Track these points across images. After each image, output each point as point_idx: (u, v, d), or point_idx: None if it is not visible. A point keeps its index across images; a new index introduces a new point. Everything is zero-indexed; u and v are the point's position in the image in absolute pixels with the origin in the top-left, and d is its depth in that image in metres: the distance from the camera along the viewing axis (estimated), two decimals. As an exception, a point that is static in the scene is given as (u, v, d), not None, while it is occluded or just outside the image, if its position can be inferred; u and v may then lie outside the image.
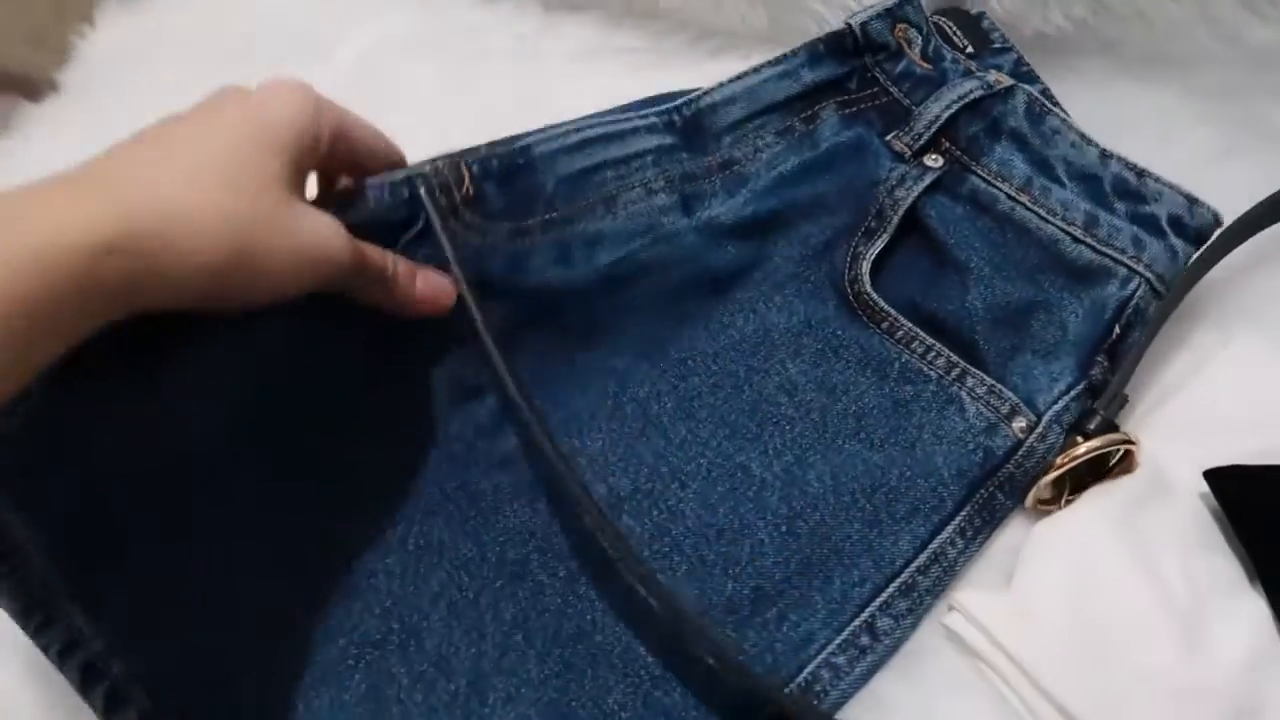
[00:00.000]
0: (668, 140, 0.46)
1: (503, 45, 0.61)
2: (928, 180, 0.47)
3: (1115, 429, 0.43)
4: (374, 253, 0.35)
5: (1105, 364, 0.45)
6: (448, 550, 0.40)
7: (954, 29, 0.52)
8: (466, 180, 0.41)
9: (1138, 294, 0.45)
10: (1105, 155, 0.47)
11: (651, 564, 0.40)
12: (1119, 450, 0.43)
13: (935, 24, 0.52)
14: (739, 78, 0.47)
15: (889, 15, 0.49)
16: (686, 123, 0.47)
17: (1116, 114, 0.53)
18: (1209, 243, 0.46)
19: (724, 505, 0.41)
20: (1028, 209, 0.46)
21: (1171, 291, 0.45)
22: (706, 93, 0.47)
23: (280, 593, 0.37)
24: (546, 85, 0.55)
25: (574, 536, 0.40)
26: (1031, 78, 0.52)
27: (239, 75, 0.58)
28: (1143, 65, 0.55)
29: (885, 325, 0.45)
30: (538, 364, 0.42)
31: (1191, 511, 0.42)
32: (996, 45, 0.52)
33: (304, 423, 0.38)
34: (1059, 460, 0.42)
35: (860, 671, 0.40)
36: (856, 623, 0.40)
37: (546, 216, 0.42)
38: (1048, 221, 0.46)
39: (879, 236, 0.46)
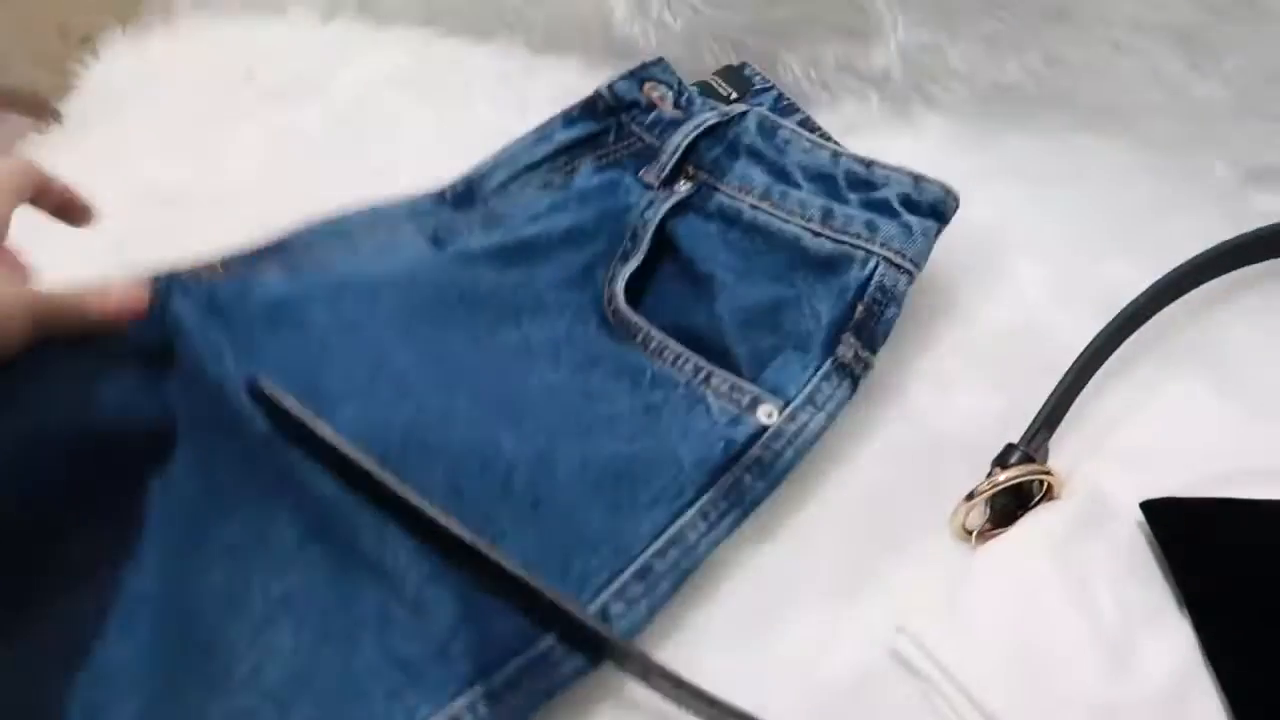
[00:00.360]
0: (427, 207, 0.52)
1: (488, 85, 0.64)
2: (673, 201, 0.50)
3: (1033, 462, 0.43)
4: (63, 295, 0.41)
5: (855, 342, 0.45)
6: (234, 546, 0.41)
7: (719, 82, 0.57)
8: (217, 265, 0.47)
9: (877, 272, 0.46)
10: (836, 154, 0.50)
11: None
12: (1041, 481, 0.43)
13: (704, 82, 0.57)
14: (504, 148, 0.54)
15: (634, 77, 0.55)
16: (458, 195, 0.53)
17: (1070, 163, 0.55)
18: (1145, 290, 0.47)
19: (470, 486, 0.41)
20: (769, 214, 0.49)
21: (1104, 336, 0.46)
22: (477, 166, 0.53)
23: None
24: (527, 125, 0.56)
25: (331, 513, 0.41)
26: (791, 110, 0.56)
27: (236, 107, 0.65)
28: (1095, 116, 0.57)
29: (639, 338, 0.47)
30: (283, 359, 0.44)
31: (1129, 539, 0.42)
32: (758, 87, 0.56)
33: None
34: (980, 488, 0.42)
35: (587, 654, 0.39)
36: (591, 608, 0.40)
37: (284, 262, 0.48)
38: (788, 222, 0.48)
39: (634, 256, 0.49)
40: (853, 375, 0.45)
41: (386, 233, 0.50)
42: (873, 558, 0.42)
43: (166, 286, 0.45)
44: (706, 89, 0.56)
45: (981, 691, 0.37)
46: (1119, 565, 0.40)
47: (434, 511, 0.39)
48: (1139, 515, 0.41)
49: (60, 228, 0.54)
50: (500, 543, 0.39)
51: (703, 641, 0.40)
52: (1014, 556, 0.41)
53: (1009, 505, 0.43)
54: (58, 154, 0.64)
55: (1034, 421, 0.44)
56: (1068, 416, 0.45)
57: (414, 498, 0.39)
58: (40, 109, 0.71)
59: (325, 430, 0.40)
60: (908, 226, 0.47)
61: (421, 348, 0.45)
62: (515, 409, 0.44)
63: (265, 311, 0.45)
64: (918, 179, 0.47)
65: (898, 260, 0.46)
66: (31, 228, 0.49)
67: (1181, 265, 0.47)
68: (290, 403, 0.41)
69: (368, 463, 0.40)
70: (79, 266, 0.54)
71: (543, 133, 0.54)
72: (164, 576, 0.40)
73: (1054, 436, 0.45)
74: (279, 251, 0.49)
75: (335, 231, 0.49)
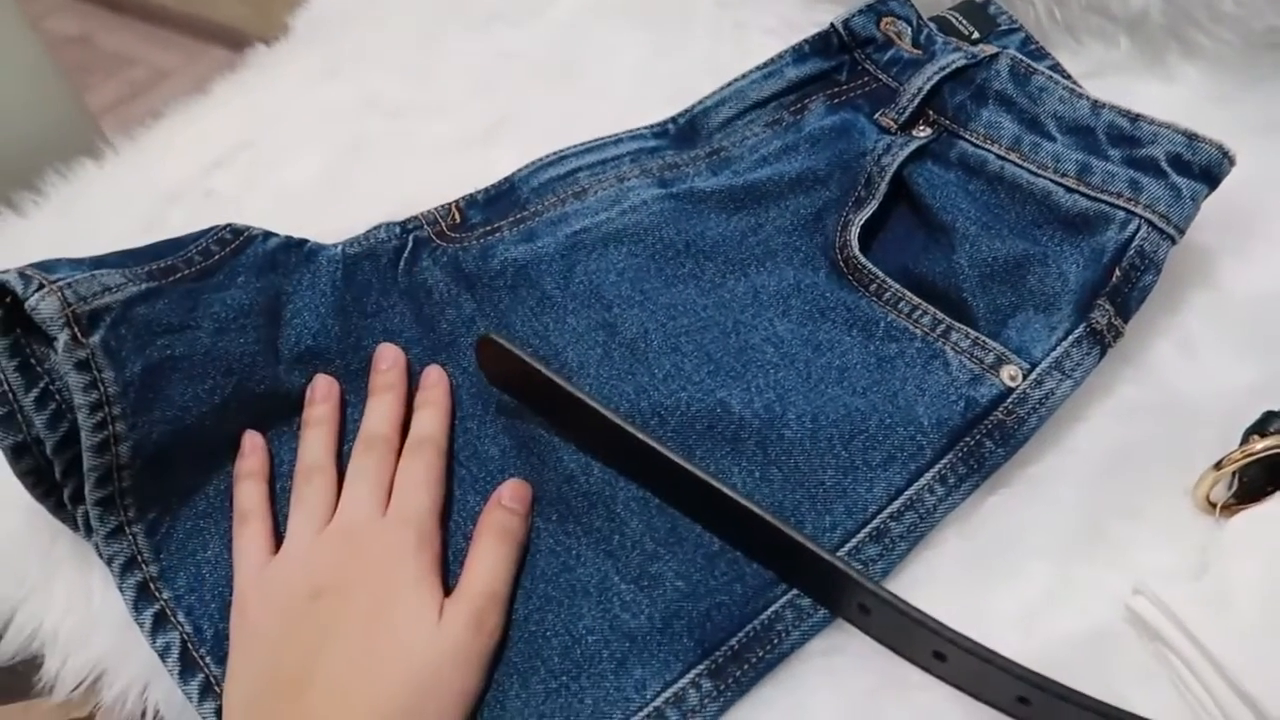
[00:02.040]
0: (651, 144, 0.51)
1: (706, 13, 0.63)
2: (913, 146, 0.48)
3: None
4: None
5: (1109, 308, 0.43)
6: (465, 510, 0.42)
7: (959, 19, 0.53)
8: (454, 210, 0.49)
9: (1138, 235, 0.44)
10: (1097, 105, 0.46)
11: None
12: None
13: (942, 17, 0.54)
14: (730, 83, 0.53)
15: (872, 11, 0.52)
16: (680, 129, 0.52)
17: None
18: None
19: (700, 447, 0.42)
20: (1018, 166, 0.46)
21: None
22: (701, 100, 0.52)
23: None
24: (744, 57, 0.54)
25: (561, 481, 0.42)
26: (1040, 55, 0.52)
27: (457, 27, 0.67)
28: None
29: (873, 288, 0.46)
30: (526, 326, 0.46)
31: None
32: (1003, 28, 0.53)
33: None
34: (1232, 456, 0.40)
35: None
36: None
37: (517, 215, 0.49)
38: (1039, 175, 0.46)
39: (868, 204, 0.47)
40: (1103, 343, 0.43)
41: (614, 180, 0.50)
42: (1107, 517, 0.41)
43: (412, 241, 0.48)
44: (945, 25, 0.53)
45: (1237, 666, 0.35)
46: None
47: (674, 454, 0.39)
48: None
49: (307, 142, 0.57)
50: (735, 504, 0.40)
51: (927, 587, 0.40)
52: (1273, 531, 0.39)
53: (1259, 479, 0.40)
54: (285, 65, 0.67)
55: (1299, 393, 0.41)
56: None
57: (653, 440, 0.39)
58: (240, 43, 0.73)
59: (562, 379, 0.41)
60: (1176, 189, 0.44)
61: (651, 308, 0.45)
62: (743, 364, 0.44)
63: (507, 277, 0.47)
64: (1192, 137, 0.44)
65: (1161, 224, 0.43)
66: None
67: None
68: (527, 352, 0.42)
69: (603, 407, 0.40)
70: (317, 168, 0.57)
71: (771, 68, 0.52)
72: None
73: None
74: (511, 196, 0.50)
75: (564, 179, 0.50)
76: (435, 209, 0.50)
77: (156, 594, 0.41)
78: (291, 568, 0.39)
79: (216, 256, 0.44)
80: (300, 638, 0.37)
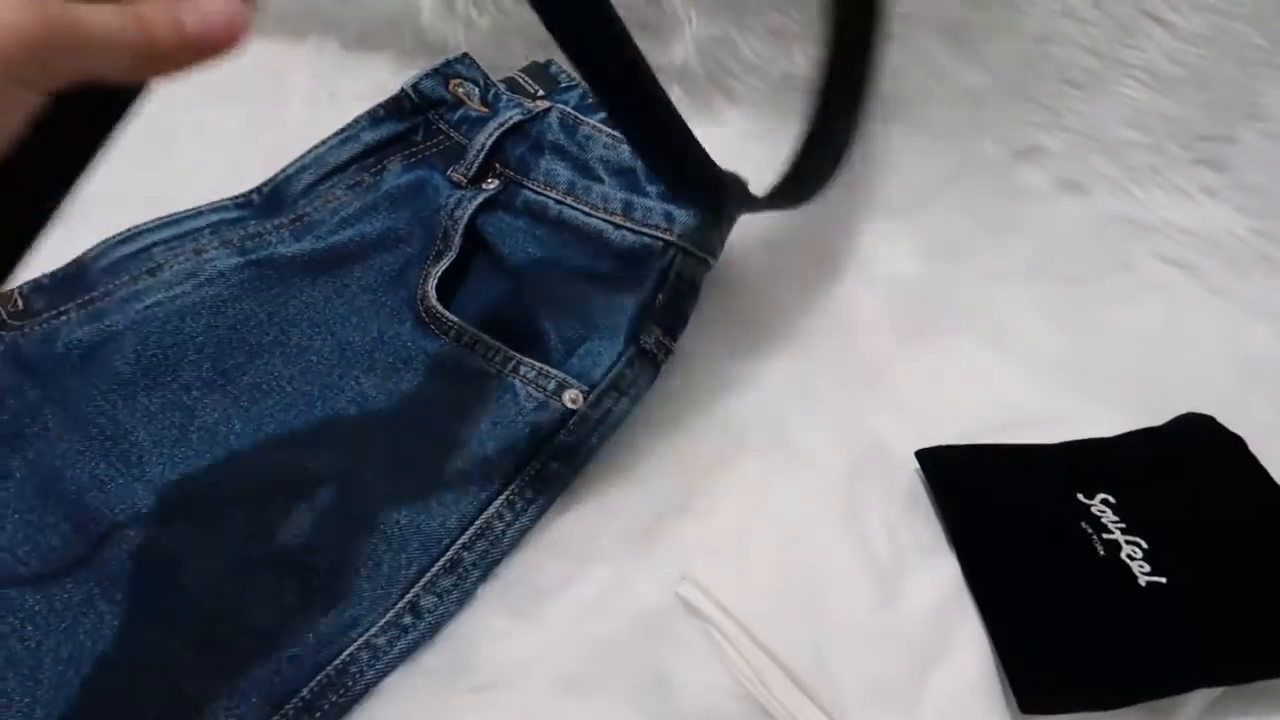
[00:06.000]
0: (233, 215, 0.52)
1: (301, 84, 0.64)
2: (481, 199, 0.51)
3: None
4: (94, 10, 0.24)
5: (656, 330, 0.48)
6: (16, 606, 0.40)
7: (525, 79, 0.58)
8: (16, 297, 0.47)
9: (676, 261, 0.48)
10: None
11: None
12: None
13: (511, 78, 0.58)
14: (310, 150, 0.54)
15: (439, 74, 0.55)
16: (265, 199, 0.53)
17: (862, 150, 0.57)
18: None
19: (279, 511, 0.42)
20: (574, 208, 0.51)
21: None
22: (284, 169, 0.53)
23: None
24: (341, 122, 0.55)
25: (124, 559, 0.41)
26: (597, 107, 0.56)
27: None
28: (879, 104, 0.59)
29: (452, 334, 0.48)
30: (93, 406, 0.45)
31: (906, 485, 0.45)
32: (564, 85, 0.58)
33: None
34: None
35: (400, 650, 0.41)
36: (400, 604, 0.41)
37: (85, 298, 0.48)
38: (592, 216, 0.50)
39: (446, 256, 0.50)
40: (655, 362, 0.47)
41: (192, 254, 0.49)
42: (664, 514, 0.45)
43: None
44: (514, 85, 0.57)
45: (758, 627, 0.40)
46: (894, 507, 0.44)
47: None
48: (915, 463, 0.45)
49: None
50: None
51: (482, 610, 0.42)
52: (794, 500, 0.44)
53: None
54: None
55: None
56: (864, 375, 0.50)
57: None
58: None
59: None
60: (701, 218, 0.49)
61: (234, 393, 0.46)
62: (325, 427, 0.45)
63: (73, 360, 0.46)
64: None
65: (695, 251, 0.49)
66: None
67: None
68: None
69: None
70: None
71: (348, 133, 0.54)
72: None
73: (840, 390, 0.49)
74: (80, 279, 0.48)
75: (137, 256, 0.49)
76: None
77: None
78: None
79: None
80: None
